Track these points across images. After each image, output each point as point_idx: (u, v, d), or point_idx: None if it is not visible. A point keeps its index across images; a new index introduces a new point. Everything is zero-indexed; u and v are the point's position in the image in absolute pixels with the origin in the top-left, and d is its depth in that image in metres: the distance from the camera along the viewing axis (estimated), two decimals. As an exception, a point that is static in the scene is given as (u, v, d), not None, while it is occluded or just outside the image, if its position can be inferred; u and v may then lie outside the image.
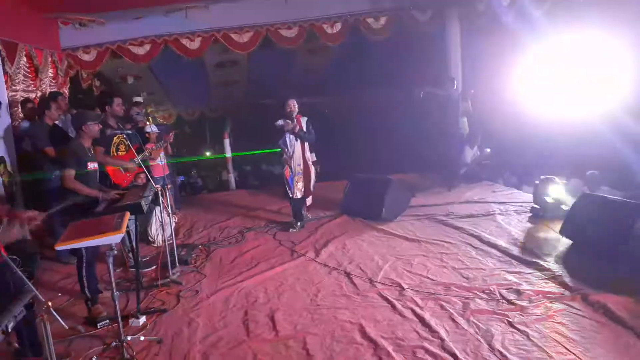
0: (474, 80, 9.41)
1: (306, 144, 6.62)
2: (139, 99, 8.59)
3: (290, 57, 10.39)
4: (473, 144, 9.32)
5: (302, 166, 6.62)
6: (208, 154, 13.07)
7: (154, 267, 5.48)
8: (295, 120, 6.52)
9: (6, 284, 2.82)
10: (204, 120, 15.51)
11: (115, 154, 5.45)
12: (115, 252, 3.34)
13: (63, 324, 2.20)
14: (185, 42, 8.78)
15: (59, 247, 3.00)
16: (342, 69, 10.13)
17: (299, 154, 6.57)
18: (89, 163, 4.32)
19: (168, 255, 5.24)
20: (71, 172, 4.19)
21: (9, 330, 2.45)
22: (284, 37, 8.93)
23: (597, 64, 7.21)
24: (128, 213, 3.48)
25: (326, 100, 10.25)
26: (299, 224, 6.73)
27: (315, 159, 7.04)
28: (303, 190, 6.66)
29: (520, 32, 7.69)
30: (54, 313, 2.25)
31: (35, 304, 2.40)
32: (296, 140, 6.51)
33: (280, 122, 6.55)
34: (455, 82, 8.74)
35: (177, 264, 5.47)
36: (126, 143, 5.38)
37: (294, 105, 6.47)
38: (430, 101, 8.89)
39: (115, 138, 5.43)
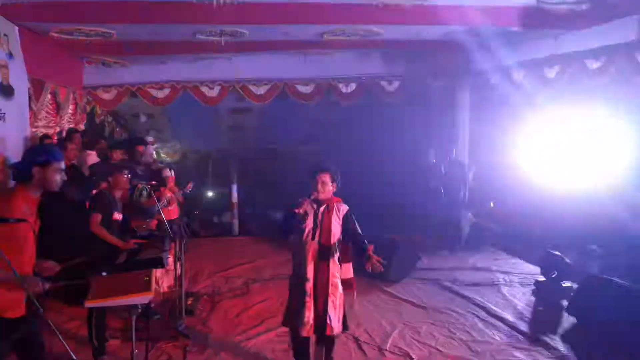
0: (480, 146, 9.67)
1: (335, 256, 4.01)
2: (150, 139, 8.74)
3: (303, 109, 10.68)
4: (472, 208, 9.46)
5: (316, 285, 3.94)
6: (210, 194, 13.05)
7: (158, 316, 5.46)
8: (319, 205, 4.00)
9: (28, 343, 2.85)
10: (209, 160, 15.55)
11: (138, 200, 5.59)
12: (140, 310, 3.37)
13: None
14: (204, 89, 9.05)
15: (89, 305, 3.02)
16: (353, 125, 10.40)
17: (314, 264, 3.95)
18: (115, 212, 4.41)
19: (177, 305, 5.24)
20: (98, 217, 4.29)
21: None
22: (300, 93, 9.21)
23: (598, 142, 7.52)
24: (154, 270, 3.52)
25: (335, 153, 10.46)
26: None
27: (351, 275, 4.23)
28: (312, 323, 3.94)
29: (524, 109, 8.03)
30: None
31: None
32: (312, 238, 3.95)
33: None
34: (454, 151, 9.11)
35: (183, 314, 5.45)
36: (148, 190, 5.53)
37: (321, 182, 3.96)
38: (437, 164, 9.12)
39: (138, 184, 5.59)
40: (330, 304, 3.94)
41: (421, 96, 9.66)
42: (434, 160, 9.02)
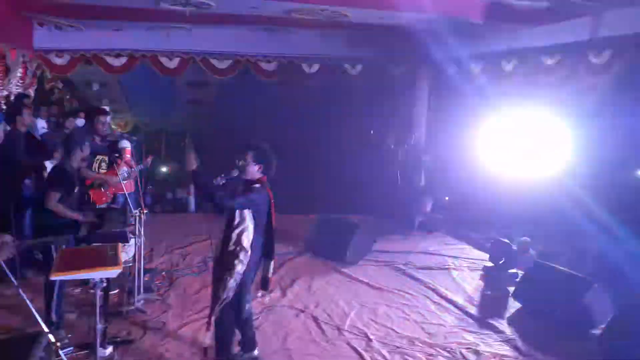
0: (436, 134, 9.94)
1: (239, 227, 3.71)
2: (106, 108, 8.43)
3: (263, 86, 10.57)
4: (429, 195, 9.76)
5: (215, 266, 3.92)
6: (164, 169, 12.73)
7: (117, 290, 5.37)
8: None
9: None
10: (162, 133, 15.13)
11: (97, 171, 5.45)
12: (104, 284, 3.31)
13: None
14: (163, 60, 8.77)
15: (55, 278, 2.95)
16: (315, 104, 10.41)
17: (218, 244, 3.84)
18: (75, 187, 4.27)
19: (136, 281, 5.15)
20: (57, 195, 4.12)
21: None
22: (263, 70, 9.11)
23: (546, 136, 7.91)
24: (120, 245, 3.47)
25: (295, 132, 10.49)
26: None
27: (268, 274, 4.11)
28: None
29: (480, 100, 8.31)
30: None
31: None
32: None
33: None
34: (414, 136, 9.34)
35: (141, 289, 5.38)
36: (107, 161, 5.40)
37: (242, 160, 3.80)
38: (395, 150, 9.32)
39: (98, 155, 5.44)
40: (216, 294, 3.76)
41: (382, 81, 9.78)
42: (392, 146, 9.21)
